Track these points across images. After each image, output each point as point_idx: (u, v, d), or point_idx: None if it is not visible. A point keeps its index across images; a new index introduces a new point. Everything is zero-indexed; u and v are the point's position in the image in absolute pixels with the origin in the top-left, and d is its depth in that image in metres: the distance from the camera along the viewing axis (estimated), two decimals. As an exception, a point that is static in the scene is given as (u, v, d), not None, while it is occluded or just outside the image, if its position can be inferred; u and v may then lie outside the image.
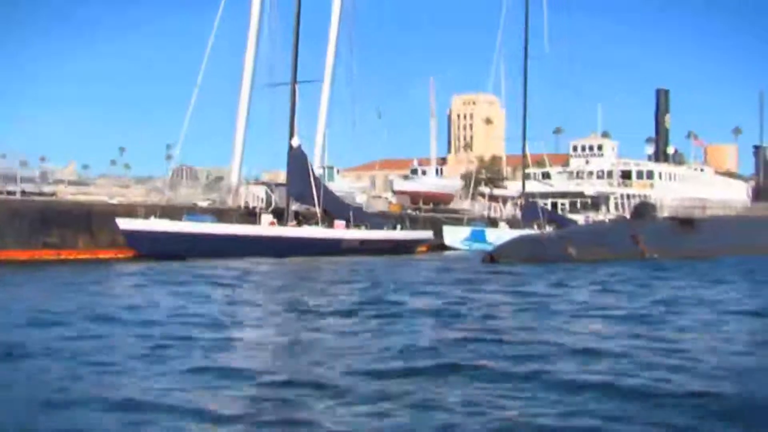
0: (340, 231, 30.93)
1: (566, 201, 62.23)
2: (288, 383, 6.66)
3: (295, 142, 30.63)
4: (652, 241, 29.06)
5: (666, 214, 36.38)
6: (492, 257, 25.24)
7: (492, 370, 7.26)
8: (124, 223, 24.86)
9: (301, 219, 31.04)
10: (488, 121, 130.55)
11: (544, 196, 56.92)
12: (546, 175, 66.02)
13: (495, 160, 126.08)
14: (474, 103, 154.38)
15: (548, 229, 44.67)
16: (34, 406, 5.78)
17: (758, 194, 56.27)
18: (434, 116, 68.31)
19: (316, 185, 30.31)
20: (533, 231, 43.01)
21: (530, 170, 68.43)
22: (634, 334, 9.81)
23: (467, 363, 7.55)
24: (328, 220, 31.35)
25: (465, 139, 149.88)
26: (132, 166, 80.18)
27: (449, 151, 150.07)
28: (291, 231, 29.15)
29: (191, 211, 27.79)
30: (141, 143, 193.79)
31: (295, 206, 31.85)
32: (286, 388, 6.44)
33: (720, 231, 34.09)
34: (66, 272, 20.74)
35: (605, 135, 76.00)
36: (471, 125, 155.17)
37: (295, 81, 30.72)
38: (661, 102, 78.88)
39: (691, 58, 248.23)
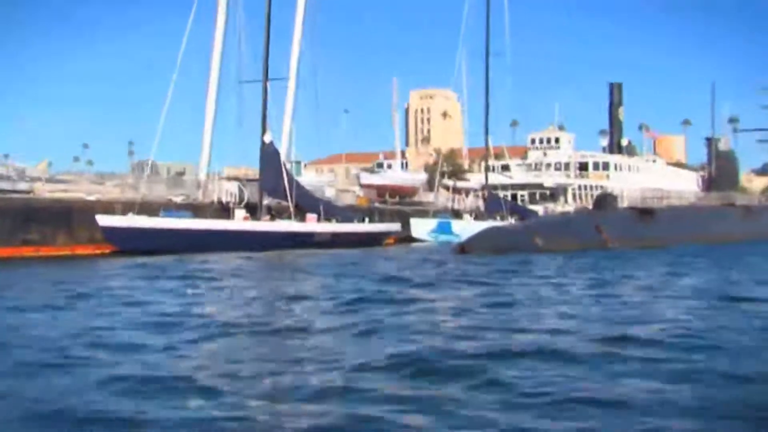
0: (312, 225, 31.74)
1: (525, 192, 64.01)
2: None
3: (267, 138, 31.32)
4: (614, 231, 30.27)
5: (626, 204, 37.84)
6: (463, 248, 26.11)
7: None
8: (103, 220, 25.28)
9: (274, 213, 31.73)
10: (446, 116, 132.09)
11: (505, 187, 58.45)
12: (506, 168, 67.69)
13: (453, 152, 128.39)
14: (431, 97, 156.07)
15: (511, 220, 46.19)
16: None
17: (710, 184, 58.68)
18: (396, 112, 69.27)
19: (288, 180, 31.06)
20: (497, 222, 44.46)
21: (490, 162, 70.39)
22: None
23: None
24: (300, 214, 32.10)
25: (423, 132, 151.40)
26: (95, 162, 79.64)
27: (407, 144, 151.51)
28: (266, 225, 29.85)
29: (167, 208, 28.29)
30: (102, 140, 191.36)
31: (266, 201, 32.59)
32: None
33: (677, 221, 35.73)
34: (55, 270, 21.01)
35: (561, 128, 78.19)
36: (428, 119, 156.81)
37: (266, 79, 31.36)
38: (615, 95, 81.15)
39: (645, 51, 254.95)
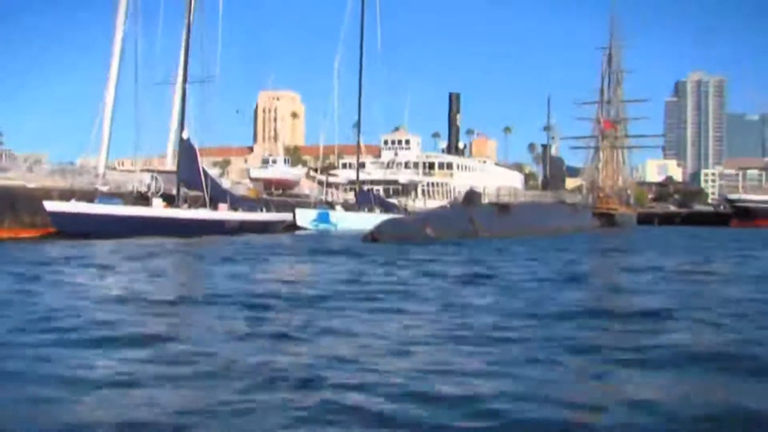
0: (224, 213, 35.88)
1: (380, 187, 70.95)
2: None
3: (185, 135, 35.13)
4: (483, 223, 36.48)
5: (487, 200, 44.31)
6: (373, 236, 29.77)
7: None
8: (50, 206, 28.14)
9: (188, 203, 35.54)
10: (294, 115, 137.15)
11: (364, 183, 65.05)
12: (362, 165, 74.44)
13: (297, 149, 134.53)
14: (278, 98, 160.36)
15: (377, 211, 52.59)
16: None
17: (546, 185, 68.72)
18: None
19: (204, 173, 35.08)
20: (365, 213, 50.71)
21: (346, 160, 76.91)
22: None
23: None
24: (212, 204, 36.07)
25: (270, 130, 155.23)
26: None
27: (254, 140, 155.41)
28: (189, 213, 33.69)
29: (102, 196, 31.41)
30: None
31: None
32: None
33: (525, 215, 43.00)
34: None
35: (397, 129, 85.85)
36: (275, 118, 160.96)
37: (185, 80, 35.17)
38: (453, 103, 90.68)
39: (486, 63, 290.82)
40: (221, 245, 27.05)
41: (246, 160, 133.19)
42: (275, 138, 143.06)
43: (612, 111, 78.40)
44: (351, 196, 58.47)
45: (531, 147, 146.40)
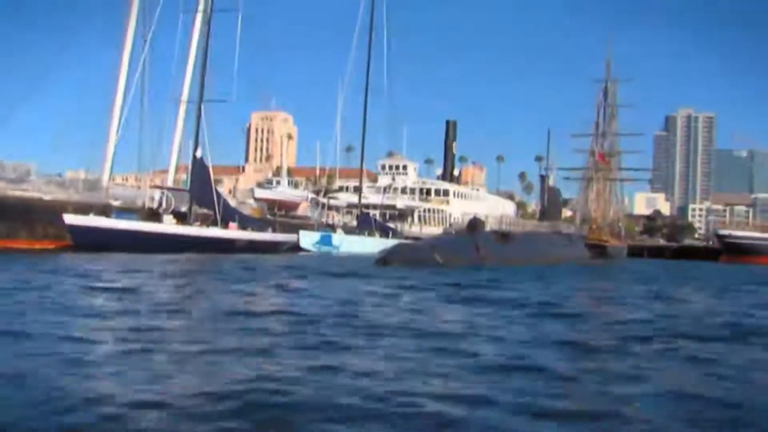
0: (235, 232, 36.23)
1: (377, 212, 71.37)
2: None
3: (198, 153, 35.51)
4: (487, 250, 36.71)
5: (488, 228, 44.59)
6: (385, 261, 30.31)
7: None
8: (69, 219, 28.38)
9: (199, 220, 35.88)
10: (289, 137, 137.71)
11: (364, 207, 65.62)
12: (358, 189, 75.08)
13: (290, 171, 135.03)
14: (271, 119, 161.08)
15: (376, 235, 53.10)
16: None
17: (543, 214, 69.50)
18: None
19: (216, 191, 35.44)
20: (366, 237, 51.23)
21: (347, 184, 77.48)
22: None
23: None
24: (222, 222, 36.42)
25: (263, 150, 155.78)
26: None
27: (246, 160, 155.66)
28: (204, 231, 34.01)
29: (117, 211, 31.66)
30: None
31: (184, 208, 36.60)
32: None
33: (525, 244, 43.54)
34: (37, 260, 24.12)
35: (391, 154, 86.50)
36: (268, 138, 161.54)
37: (201, 100, 35.68)
38: (450, 131, 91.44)
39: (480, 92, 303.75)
40: (254, 264, 27.40)
41: (237, 180, 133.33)
42: (267, 158, 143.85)
43: (606, 144, 79.82)
44: (349, 219, 58.97)
45: (521, 176, 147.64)
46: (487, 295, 16.98)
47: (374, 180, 79.99)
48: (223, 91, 40.01)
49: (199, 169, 35.65)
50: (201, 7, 40.41)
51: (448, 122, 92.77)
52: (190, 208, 35.32)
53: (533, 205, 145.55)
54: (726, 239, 76.28)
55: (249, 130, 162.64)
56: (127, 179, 57.08)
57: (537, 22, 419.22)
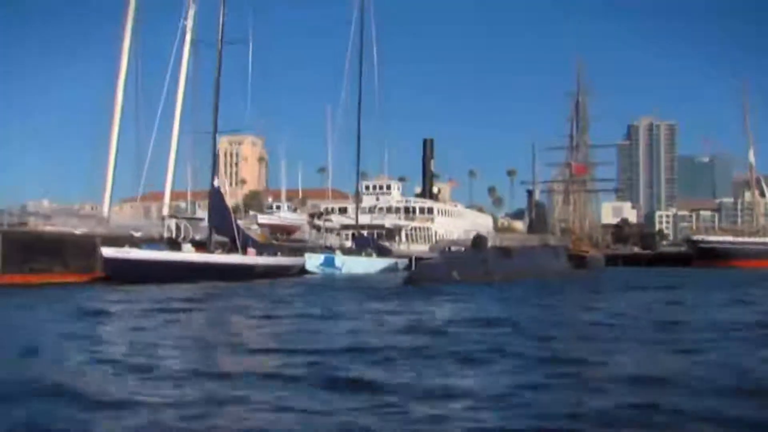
0: (254, 258, 36.75)
1: (365, 232, 72.27)
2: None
3: (216, 183, 36.08)
4: (494, 266, 37.96)
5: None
6: (412, 280, 32.10)
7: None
8: (107, 252, 28.73)
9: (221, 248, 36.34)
10: (261, 159, 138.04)
11: (354, 227, 66.65)
12: (344, 210, 76.07)
13: (258, 194, 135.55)
14: (240, 143, 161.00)
15: (373, 255, 54.12)
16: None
17: (532, 228, 71.32)
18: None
19: (235, 219, 36.01)
20: (364, 257, 52.23)
21: (332, 206, 78.37)
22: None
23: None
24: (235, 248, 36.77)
25: (233, 175, 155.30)
26: None
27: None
28: (229, 258, 34.50)
29: (147, 242, 32.05)
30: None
31: (199, 236, 37.09)
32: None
33: (523, 259, 44.88)
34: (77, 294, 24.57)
35: (363, 175, 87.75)
36: (237, 162, 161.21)
37: (215, 129, 36.32)
38: (427, 149, 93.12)
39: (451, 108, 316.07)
40: (300, 289, 28.29)
41: (199, 206, 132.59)
42: (241, 182, 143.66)
43: (580, 156, 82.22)
44: (338, 239, 59.95)
45: (491, 191, 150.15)
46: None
47: (345, 199, 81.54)
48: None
49: (216, 198, 36.19)
50: (188, 38, 41.37)
51: (425, 141, 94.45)
52: (209, 237, 35.80)
53: (503, 220, 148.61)
54: (699, 244, 79.15)
55: (217, 154, 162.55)
56: (122, 208, 57.07)
57: (506, 37, 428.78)
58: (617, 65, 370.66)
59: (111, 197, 40.88)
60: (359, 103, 53.70)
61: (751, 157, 79.16)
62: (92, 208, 48.88)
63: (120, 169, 41.27)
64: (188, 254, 32.40)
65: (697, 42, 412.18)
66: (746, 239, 77.16)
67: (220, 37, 36.93)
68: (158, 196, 76.55)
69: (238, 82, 39.52)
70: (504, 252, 43.42)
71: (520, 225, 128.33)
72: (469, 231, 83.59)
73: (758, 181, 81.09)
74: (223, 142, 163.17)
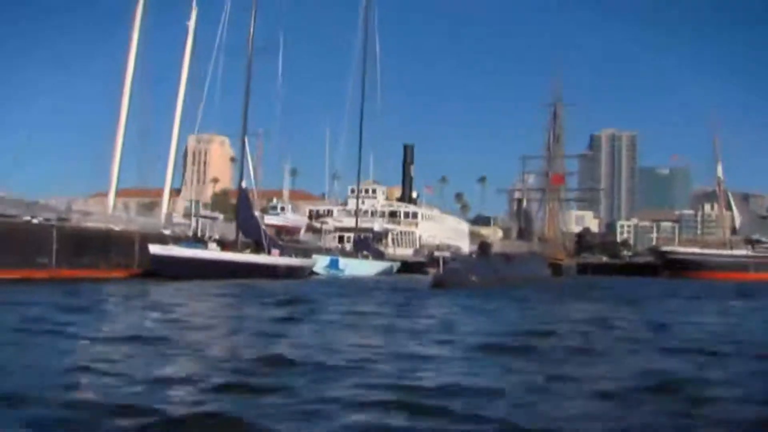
0: (278, 258, 37.57)
1: (351, 234, 73.22)
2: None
3: (244, 184, 36.79)
4: (502, 271, 40.22)
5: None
6: (440, 284, 33.24)
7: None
8: (154, 249, 29.28)
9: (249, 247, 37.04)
10: (233, 160, 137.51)
11: (341, 230, 67.76)
12: (329, 212, 77.00)
13: (226, 194, 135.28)
14: (208, 142, 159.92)
15: (370, 258, 55.34)
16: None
17: (520, 235, 73.32)
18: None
19: (260, 220, 36.79)
20: (364, 260, 53.36)
21: (316, 208, 79.21)
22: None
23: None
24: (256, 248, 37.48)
25: (201, 173, 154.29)
26: None
27: (182, 183, 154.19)
28: (259, 258, 35.28)
29: (185, 240, 32.60)
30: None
31: (218, 235, 37.75)
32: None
33: (520, 265, 47.08)
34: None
35: (335, 176, 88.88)
36: (205, 162, 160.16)
37: (244, 133, 37.06)
38: (408, 155, 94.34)
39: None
40: (334, 288, 29.17)
41: (174, 202, 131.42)
42: (213, 180, 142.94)
43: (556, 166, 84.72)
44: (336, 242, 61.08)
45: (458, 197, 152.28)
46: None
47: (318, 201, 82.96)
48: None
49: (243, 199, 36.88)
50: (189, 39, 42.09)
51: (405, 146, 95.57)
52: (237, 236, 36.49)
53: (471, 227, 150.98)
54: (668, 255, 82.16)
55: (186, 153, 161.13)
56: (128, 205, 56.96)
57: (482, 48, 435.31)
58: (589, 77, 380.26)
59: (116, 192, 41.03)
60: (361, 110, 54.94)
61: (720, 172, 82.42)
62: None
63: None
64: (226, 254, 33.17)
65: (666, 51, 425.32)
66: (713, 251, 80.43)
67: (250, 44, 37.68)
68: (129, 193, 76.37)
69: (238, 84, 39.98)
70: (506, 258, 45.61)
71: (487, 231, 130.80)
72: (449, 237, 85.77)
73: (725, 194, 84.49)
74: (190, 141, 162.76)
